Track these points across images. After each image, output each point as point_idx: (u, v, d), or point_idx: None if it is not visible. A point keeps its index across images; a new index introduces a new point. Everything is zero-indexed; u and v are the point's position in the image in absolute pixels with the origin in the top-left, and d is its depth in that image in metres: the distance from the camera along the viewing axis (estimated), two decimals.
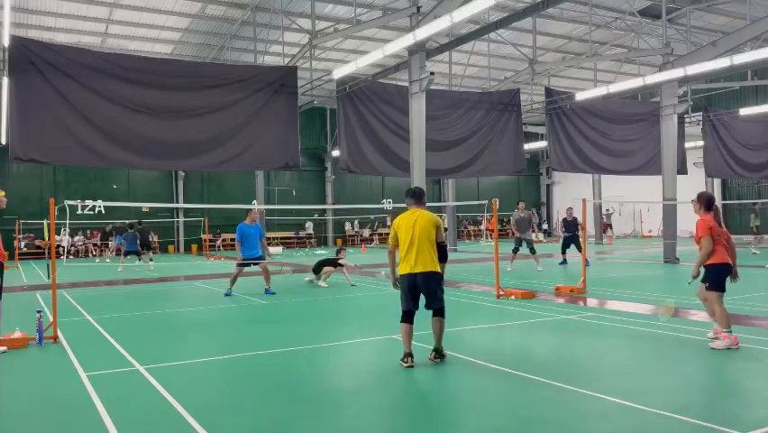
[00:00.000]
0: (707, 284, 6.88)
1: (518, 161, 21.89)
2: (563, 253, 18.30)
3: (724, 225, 7.12)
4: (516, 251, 16.89)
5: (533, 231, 17.89)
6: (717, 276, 6.80)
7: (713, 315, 6.89)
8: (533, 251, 16.73)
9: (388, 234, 35.42)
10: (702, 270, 6.95)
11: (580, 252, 16.54)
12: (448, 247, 7.14)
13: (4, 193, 7.73)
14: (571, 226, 17.83)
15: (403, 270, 6.24)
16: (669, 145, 19.31)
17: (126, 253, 20.91)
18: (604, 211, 33.03)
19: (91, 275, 18.60)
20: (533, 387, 5.52)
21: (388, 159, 19.11)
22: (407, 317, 6.27)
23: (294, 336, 8.23)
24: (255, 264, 12.88)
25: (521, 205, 17.20)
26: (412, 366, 6.09)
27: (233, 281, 12.86)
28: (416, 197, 6.47)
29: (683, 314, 9.22)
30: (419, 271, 6.12)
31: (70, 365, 6.71)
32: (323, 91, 24.82)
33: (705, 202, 6.97)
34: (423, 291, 6.24)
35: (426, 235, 6.18)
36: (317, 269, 14.18)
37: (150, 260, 21.61)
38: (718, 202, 33.33)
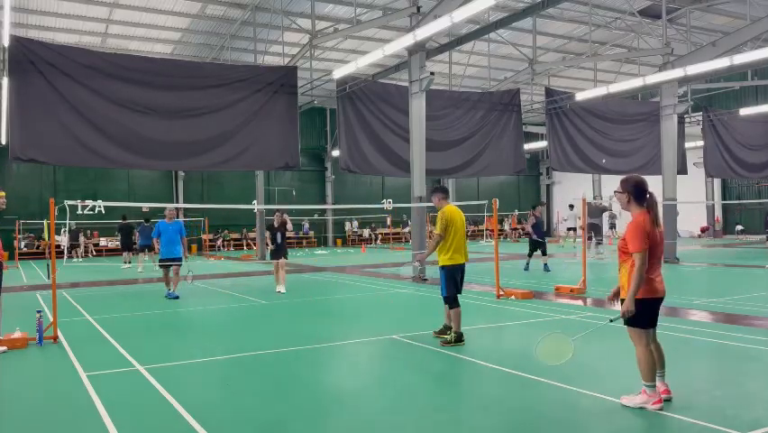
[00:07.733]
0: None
1: (519, 161, 21.87)
2: (530, 256, 16.82)
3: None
4: (600, 242, 16.33)
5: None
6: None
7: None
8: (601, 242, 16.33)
9: (387, 234, 35.02)
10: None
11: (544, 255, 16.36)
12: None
13: (4, 194, 7.72)
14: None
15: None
16: (669, 145, 19.31)
17: (141, 248, 20.35)
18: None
19: (91, 275, 18.59)
20: (533, 387, 5.53)
21: (388, 159, 19.07)
22: None
23: (294, 336, 8.23)
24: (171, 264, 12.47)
25: (598, 199, 16.62)
26: None
27: (167, 283, 12.65)
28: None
29: (683, 314, 9.23)
30: None
31: (70, 365, 6.71)
32: (323, 91, 24.79)
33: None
34: None
35: None
36: None
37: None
38: (718, 202, 33.65)
